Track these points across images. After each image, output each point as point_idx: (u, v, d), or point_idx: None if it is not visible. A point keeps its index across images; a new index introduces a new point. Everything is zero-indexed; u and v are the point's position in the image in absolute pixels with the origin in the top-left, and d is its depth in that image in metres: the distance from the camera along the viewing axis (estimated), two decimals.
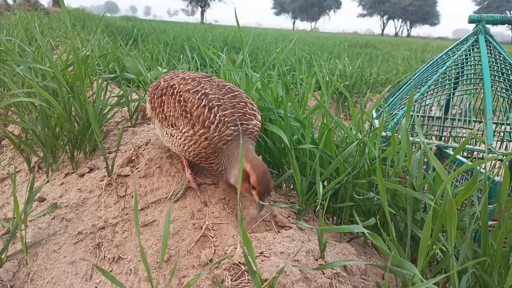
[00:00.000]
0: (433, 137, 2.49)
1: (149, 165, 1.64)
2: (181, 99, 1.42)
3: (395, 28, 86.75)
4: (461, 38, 2.50)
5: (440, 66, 2.34)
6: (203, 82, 1.49)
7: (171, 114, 1.44)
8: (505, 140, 2.53)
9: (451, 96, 2.40)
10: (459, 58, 2.30)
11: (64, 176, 1.87)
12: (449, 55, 2.41)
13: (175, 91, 1.47)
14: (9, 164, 2.35)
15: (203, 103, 1.37)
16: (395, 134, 1.44)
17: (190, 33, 11.34)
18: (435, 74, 2.28)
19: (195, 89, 1.43)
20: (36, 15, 7.68)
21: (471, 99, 2.30)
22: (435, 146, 2.13)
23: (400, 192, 1.35)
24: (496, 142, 2.58)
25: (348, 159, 1.58)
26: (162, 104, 1.49)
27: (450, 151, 2.03)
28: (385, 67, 6.02)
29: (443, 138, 2.47)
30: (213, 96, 1.41)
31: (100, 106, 1.96)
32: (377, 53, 10.62)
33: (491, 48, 2.29)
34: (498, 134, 2.56)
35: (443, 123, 2.65)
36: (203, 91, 1.42)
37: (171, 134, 1.46)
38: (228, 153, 1.38)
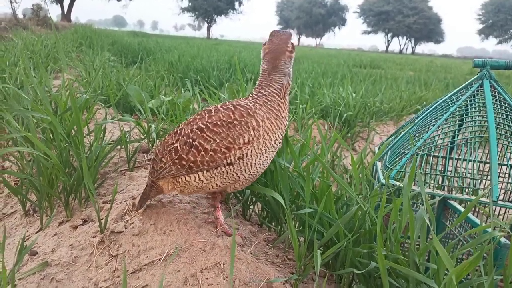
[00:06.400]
0: (439, 177, 2.43)
1: (144, 221, 1.60)
2: (210, 119, 1.34)
3: (400, 45, 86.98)
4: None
5: (445, 111, 2.30)
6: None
7: (215, 139, 1.29)
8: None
9: (455, 139, 2.35)
10: (463, 103, 2.26)
11: (58, 225, 1.83)
12: (453, 99, 2.37)
13: (191, 123, 1.39)
14: (5, 204, 2.31)
15: (227, 104, 1.36)
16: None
17: (195, 51, 11.41)
18: (439, 119, 2.24)
19: (206, 109, 1.40)
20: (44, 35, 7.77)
21: (477, 143, 2.25)
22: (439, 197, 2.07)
23: (402, 260, 1.30)
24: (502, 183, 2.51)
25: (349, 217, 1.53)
26: (191, 145, 1.34)
27: (455, 201, 1.97)
28: (388, 94, 5.98)
29: (446, 180, 2.41)
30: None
31: (98, 152, 1.93)
32: (381, 74, 10.61)
33: (496, 94, 2.25)
34: (503, 175, 2.49)
35: (448, 163, 2.58)
36: (214, 106, 1.40)
37: (238, 157, 1.31)
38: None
